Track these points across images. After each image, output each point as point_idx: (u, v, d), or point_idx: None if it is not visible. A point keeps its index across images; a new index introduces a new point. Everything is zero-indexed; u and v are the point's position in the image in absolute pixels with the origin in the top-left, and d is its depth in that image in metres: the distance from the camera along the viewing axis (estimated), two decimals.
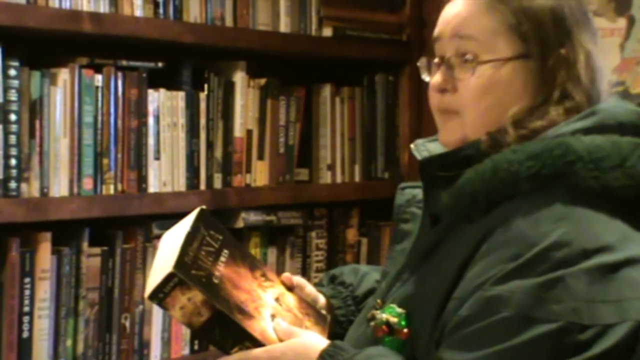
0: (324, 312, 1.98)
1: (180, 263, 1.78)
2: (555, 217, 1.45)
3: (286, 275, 1.99)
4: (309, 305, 1.96)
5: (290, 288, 1.98)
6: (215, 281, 1.81)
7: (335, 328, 1.93)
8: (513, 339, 1.40)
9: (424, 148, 1.78)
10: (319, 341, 1.73)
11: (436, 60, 1.71)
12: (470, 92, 1.64)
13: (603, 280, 1.41)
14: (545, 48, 1.59)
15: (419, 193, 1.79)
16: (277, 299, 1.89)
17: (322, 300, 1.99)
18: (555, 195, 1.47)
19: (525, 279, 1.41)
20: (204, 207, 1.91)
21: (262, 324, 1.83)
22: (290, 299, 1.94)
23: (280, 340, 1.78)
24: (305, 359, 1.70)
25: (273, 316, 1.85)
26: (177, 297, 1.77)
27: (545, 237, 1.43)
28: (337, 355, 1.65)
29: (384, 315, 1.65)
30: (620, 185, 1.46)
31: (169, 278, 1.77)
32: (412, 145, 1.83)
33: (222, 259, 1.87)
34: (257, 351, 1.75)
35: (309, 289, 2.00)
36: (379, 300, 1.72)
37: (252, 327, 1.79)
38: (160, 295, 1.77)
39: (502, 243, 1.47)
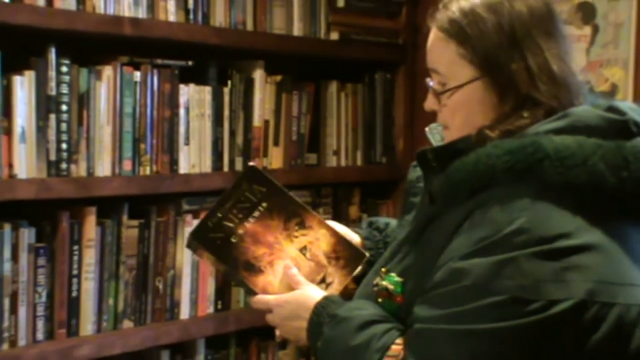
0: (363, 251, 1.97)
1: (198, 229, 1.88)
2: (522, 207, 1.46)
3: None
4: (344, 248, 1.93)
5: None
6: (233, 240, 1.86)
7: (365, 267, 1.93)
8: (469, 304, 1.44)
9: (436, 131, 1.82)
10: (317, 294, 1.78)
11: (429, 82, 1.75)
12: (446, 113, 1.67)
13: (554, 263, 1.42)
14: (495, 67, 1.59)
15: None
16: (303, 248, 1.89)
17: (357, 239, 2.00)
18: (525, 187, 1.48)
19: (487, 257, 1.44)
20: (253, 163, 1.95)
21: (269, 279, 1.87)
22: (322, 244, 1.92)
23: (291, 289, 1.84)
24: (304, 308, 1.75)
25: (301, 251, 1.89)
26: (201, 254, 1.91)
27: (510, 224, 1.44)
28: (327, 307, 1.71)
29: (384, 283, 1.68)
30: (582, 181, 1.46)
31: (189, 242, 1.87)
32: (426, 129, 1.85)
33: (256, 213, 1.89)
34: (268, 297, 1.84)
35: (338, 229, 1.99)
36: (382, 269, 1.72)
37: (255, 282, 1.85)
38: (191, 250, 1.92)
39: (477, 224, 1.49)
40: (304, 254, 1.88)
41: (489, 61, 1.60)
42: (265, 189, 1.90)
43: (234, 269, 1.87)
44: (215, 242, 1.86)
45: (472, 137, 1.58)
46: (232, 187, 1.89)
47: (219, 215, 1.88)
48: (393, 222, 2.09)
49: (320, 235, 1.89)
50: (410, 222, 1.77)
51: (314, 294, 1.79)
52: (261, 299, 1.85)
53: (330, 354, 1.68)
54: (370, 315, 1.66)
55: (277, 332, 1.88)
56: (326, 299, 1.75)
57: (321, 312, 1.73)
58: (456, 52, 1.65)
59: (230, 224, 1.87)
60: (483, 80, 1.60)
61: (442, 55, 1.68)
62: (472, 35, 1.63)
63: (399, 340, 1.58)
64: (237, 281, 1.91)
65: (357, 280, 1.88)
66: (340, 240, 1.90)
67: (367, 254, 1.93)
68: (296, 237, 1.90)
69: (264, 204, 1.89)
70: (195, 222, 2.75)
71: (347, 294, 1.86)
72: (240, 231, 1.87)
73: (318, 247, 1.90)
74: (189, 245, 1.92)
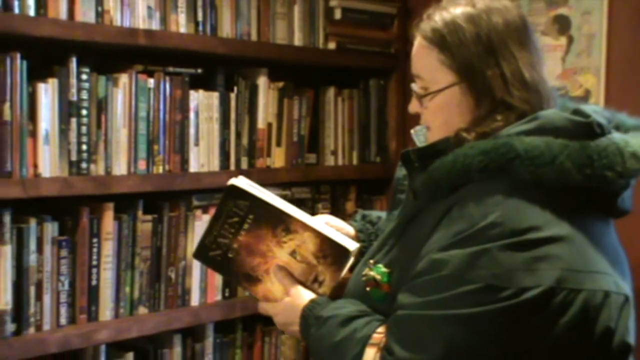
0: (345, 246, 1.91)
1: (199, 249, 1.88)
2: (495, 202, 1.47)
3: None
4: (329, 246, 1.86)
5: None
6: (231, 255, 1.85)
7: (359, 257, 1.92)
8: (447, 291, 1.46)
9: (421, 133, 1.81)
10: (305, 298, 1.78)
11: (413, 88, 1.75)
12: (428, 115, 1.70)
13: (525, 253, 1.43)
14: (472, 73, 1.61)
15: None
16: (293, 252, 1.85)
17: (351, 231, 2.01)
18: (498, 185, 1.49)
19: (463, 249, 1.46)
20: (233, 181, 1.86)
21: (267, 286, 1.87)
22: (309, 245, 1.86)
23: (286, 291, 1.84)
24: (294, 314, 1.78)
25: (292, 254, 1.85)
26: (208, 267, 1.95)
27: (485, 218, 1.46)
28: (314, 309, 1.74)
29: (372, 273, 1.69)
30: (550, 178, 1.47)
31: (195, 258, 1.90)
32: (412, 131, 1.85)
33: (245, 226, 1.85)
34: (267, 306, 1.86)
35: (333, 222, 1.99)
36: (371, 261, 1.73)
37: (256, 291, 1.87)
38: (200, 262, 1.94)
39: (454, 219, 1.51)
40: (295, 257, 1.86)
41: (467, 68, 1.62)
42: (249, 202, 1.85)
43: (237, 280, 1.89)
44: (215, 259, 1.87)
45: (450, 139, 1.59)
46: (220, 205, 1.87)
47: (214, 233, 1.87)
48: (384, 215, 2.08)
49: (305, 237, 1.86)
50: (396, 217, 1.77)
51: (302, 298, 1.79)
52: (262, 307, 1.87)
53: (320, 352, 1.69)
54: (351, 312, 1.67)
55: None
56: (312, 302, 1.77)
57: (308, 315, 1.74)
58: (437, 58, 1.66)
59: (226, 240, 1.86)
60: (461, 85, 1.61)
61: (424, 61, 1.69)
62: (452, 44, 1.64)
63: (380, 330, 1.60)
64: (243, 288, 1.94)
65: (353, 268, 1.87)
66: (324, 239, 1.86)
67: (351, 248, 1.87)
68: (285, 242, 1.86)
69: (251, 216, 1.86)
70: (205, 217, 2.80)
71: (343, 284, 1.85)
72: (235, 245, 1.85)
73: (306, 249, 1.86)
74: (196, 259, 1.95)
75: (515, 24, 1.64)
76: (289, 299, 1.81)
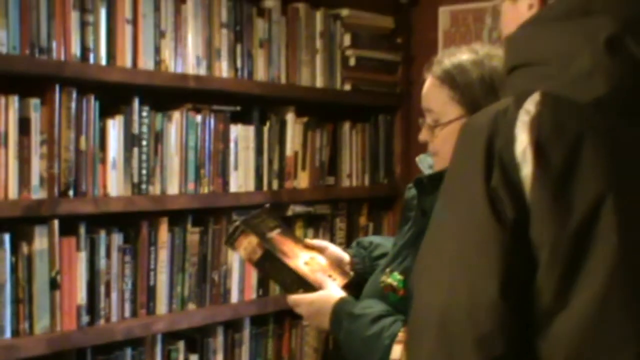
0: (348, 270, 1.96)
1: (245, 220, 1.87)
2: None
3: (309, 241, 2.02)
4: (336, 267, 1.94)
5: (321, 252, 1.97)
6: (268, 236, 1.86)
7: (356, 277, 1.92)
8: None
9: (425, 160, 1.82)
10: (337, 294, 1.77)
11: (421, 122, 1.75)
12: (438, 143, 1.69)
13: None
14: (477, 108, 1.46)
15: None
16: (310, 259, 1.91)
17: (347, 257, 1.99)
18: None
19: None
20: (267, 205, 1.93)
21: (298, 262, 1.87)
22: (321, 260, 1.93)
23: (314, 273, 1.82)
24: (326, 307, 1.75)
25: (306, 264, 1.88)
26: (241, 241, 1.87)
27: None
28: (345, 306, 1.73)
29: (389, 280, 1.69)
30: None
31: (237, 227, 1.86)
32: (416, 158, 1.85)
33: (276, 231, 1.90)
34: (300, 296, 1.80)
35: (332, 248, 2.00)
36: (387, 269, 1.72)
37: (290, 263, 1.85)
38: (231, 240, 1.88)
39: None
40: (311, 263, 1.90)
41: (472, 103, 1.61)
42: (277, 222, 1.92)
43: (274, 249, 1.86)
44: (257, 229, 1.87)
45: None
46: (257, 213, 1.90)
47: (255, 220, 1.90)
48: (376, 239, 2.07)
49: (316, 255, 1.94)
50: (407, 232, 1.75)
51: (333, 295, 1.77)
52: (295, 298, 1.82)
53: (351, 342, 1.68)
54: (379, 311, 1.66)
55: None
56: (342, 300, 1.74)
57: (340, 310, 1.72)
58: (448, 95, 1.67)
59: (263, 229, 1.89)
60: (467, 117, 1.53)
61: (436, 97, 1.69)
62: (461, 83, 1.65)
63: (404, 329, 1.59)
64: (273, 260, 1.87)
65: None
66: (330, 263, 1.92)
67: (351, 273, 1.91)
68: (303, 249, 1.93)
69: (278, 230, 1.93)
70: None
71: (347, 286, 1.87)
72: (270, 234, 1.88)
73: (319, 261, 1.93)
74: (232, 234, 1.88)
75: None
76: (322, 292, 1.78)
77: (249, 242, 1.87)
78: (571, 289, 1.05)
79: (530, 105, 1.09)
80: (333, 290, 1.80)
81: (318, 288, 1.83)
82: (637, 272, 1.04)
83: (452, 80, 1.66)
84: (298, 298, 1.83)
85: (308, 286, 1.84)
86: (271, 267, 1.87)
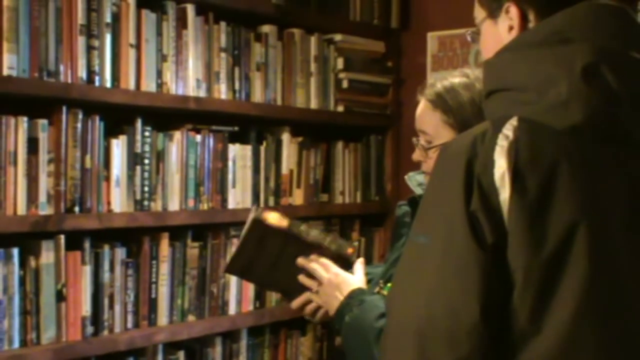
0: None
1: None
2: None
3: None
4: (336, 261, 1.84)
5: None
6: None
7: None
8: None
9: (414, 178, 1.82)
10: (361, 283, 1.74)
11: (415, 141, 1.75)
12: (431, 163, 1.65)
13: None
14: (468, 129, 1.54)
15: (409, 209, 1.80)
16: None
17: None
18: None
19: None
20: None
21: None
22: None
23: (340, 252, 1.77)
24: (347, 287, 1.71)
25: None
26: (269, 212, 1.88)
27: None
28: (360, 294, 1.68)
29: (383, 292, 1.71)
30: None
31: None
32: (405, 177, 1.84)
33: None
34: (334, 265, 1.74)
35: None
36: (381, 281, 1.74)
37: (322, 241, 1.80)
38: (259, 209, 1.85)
39: None
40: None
41: (464, 125, 1.59)
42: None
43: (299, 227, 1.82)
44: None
45: None
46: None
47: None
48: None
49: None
50: (400, 247, 1.75)
51: (359, 280, 1.74)
52: (328, 263, 1.76)
53: (355, 326, 1.64)
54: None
55: (307, 312, 1.82)
56: (359, 288, 1.71)
57: (354, 295, 1.68)
58: (440, 118, 1.66)
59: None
60: None
61: (429, 120, 1.68)
62: (453, 106, 1.65)
63: None
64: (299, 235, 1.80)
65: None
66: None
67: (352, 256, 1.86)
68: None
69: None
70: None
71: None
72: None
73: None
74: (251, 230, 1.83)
75: None
76: (350, 274, 1.74)
77: (277, 216, 1.85)
78: (544, 313, 1.03)
79: (509, 130, 1.09)
80: (360, 277, 1.76)
81: (352, 267, 1.80)
82: (606, 298, 1.04)
83: (444, 103, 1.66)
84: (330, 264, 1.77)
85: (346, 262, 1.80)
86: (296, 243, 1.81)
